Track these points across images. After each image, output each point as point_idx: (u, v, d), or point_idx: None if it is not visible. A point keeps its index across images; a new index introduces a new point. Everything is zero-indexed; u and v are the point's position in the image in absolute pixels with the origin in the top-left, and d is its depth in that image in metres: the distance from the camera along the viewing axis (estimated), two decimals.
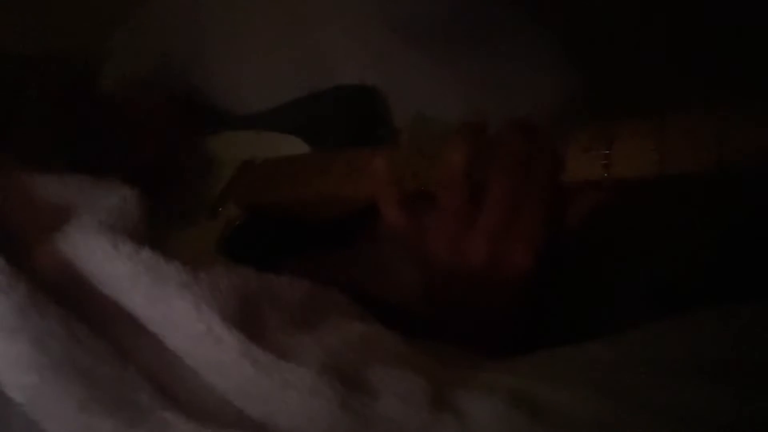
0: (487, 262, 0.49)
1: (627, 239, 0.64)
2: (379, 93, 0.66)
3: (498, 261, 0.49)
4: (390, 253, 0.58)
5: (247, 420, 0.37)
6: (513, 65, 0.66)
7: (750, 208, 0.64)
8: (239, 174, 0.65)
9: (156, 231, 0.40)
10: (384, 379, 0.37)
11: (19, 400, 0.36)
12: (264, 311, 0.40)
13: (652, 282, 0.65)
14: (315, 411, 0.36)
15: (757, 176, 0.45)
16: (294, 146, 0.65)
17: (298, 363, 0.37)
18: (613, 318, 0.58)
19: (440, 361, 0.41)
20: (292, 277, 0.43)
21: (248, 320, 0.38)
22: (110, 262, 0.37)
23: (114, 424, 0.35)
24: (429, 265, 0.52)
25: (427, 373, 0.38)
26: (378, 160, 0.55)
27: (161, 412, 0.36)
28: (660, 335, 0.41)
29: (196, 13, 0.75)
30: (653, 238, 0.66)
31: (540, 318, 0.54)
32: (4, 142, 0.51)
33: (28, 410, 0.36)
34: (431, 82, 0.66)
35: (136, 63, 0.77)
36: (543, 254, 0.49)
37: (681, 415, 0.34)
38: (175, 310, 0.37)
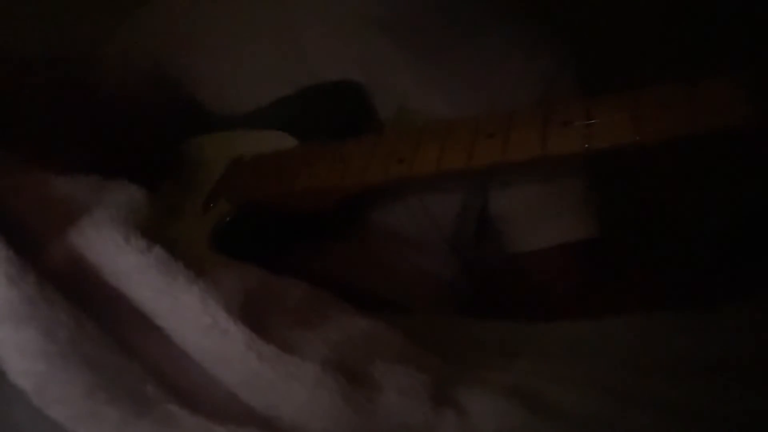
0: None
1: None
2: (365, 88, 0.67)
3: None
4: (380, 246, 0.59)
5: (252, 412, 0.37)
6: (494, 57, 0.68)
7: None
8: (229, 171, 0.65)
9: (162, 227, 0.41)
10: (386, 374, 0.38)
11: (25, 387, 0.36)
12: (266, 308, 0.41)
13: None
14: (318, 403, 0.37)
15: None
16: (284, 143, 0.66)
17: (302, 357, 0.38)
18: None
19: (441, 357, 0.42)
20: (290, 279, 0.44)
21: (252, 315, 0.39)
22: (121, 255, 0.38)
23: (119, 413, 0.36)
24: None
25: (428, 369, 0.39)
26: None
27: (167, 404, 0.37)
28: (660, 333, 0.43)
29: (186, 21, 0.76)
30: None
31: None
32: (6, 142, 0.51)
33: (33, 397, 0.36)
34: (413, 78, 0.67)
35: (127, 67, 0.77)
36: None
37: (680, 412, 0.35)
38: (181, 303, 0.38)
